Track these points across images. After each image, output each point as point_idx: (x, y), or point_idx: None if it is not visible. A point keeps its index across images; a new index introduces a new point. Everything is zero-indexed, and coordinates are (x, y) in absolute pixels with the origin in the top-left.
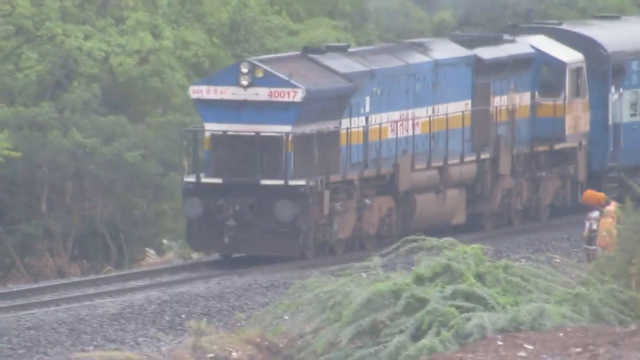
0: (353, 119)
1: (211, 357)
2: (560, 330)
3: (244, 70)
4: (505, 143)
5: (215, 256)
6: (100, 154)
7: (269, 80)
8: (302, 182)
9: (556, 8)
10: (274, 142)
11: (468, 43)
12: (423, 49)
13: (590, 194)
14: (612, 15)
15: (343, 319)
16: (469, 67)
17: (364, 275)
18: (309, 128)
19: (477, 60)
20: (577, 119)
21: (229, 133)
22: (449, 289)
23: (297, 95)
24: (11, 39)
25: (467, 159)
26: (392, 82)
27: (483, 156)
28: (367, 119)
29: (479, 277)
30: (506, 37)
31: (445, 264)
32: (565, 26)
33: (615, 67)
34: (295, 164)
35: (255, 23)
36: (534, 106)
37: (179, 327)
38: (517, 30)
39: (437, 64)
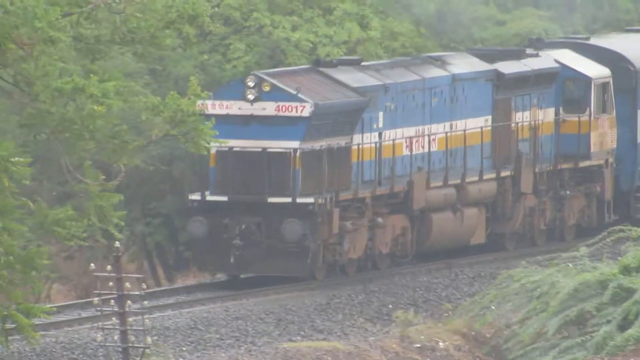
0: (365, 135)
1: (418, 347)
2: None
3: (251, 84)
4: (527, 160)
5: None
6: None
7: (276, 94)
8: (310, 200)
9: None
10: (282, 158)
11: (488, 57)
12: (440, 62)
13: None
14: None
15: (550, 309)
16: (489, 82)
17: (570, 265)
18: (318, 144)
19: (498, 74)
20: (603, 136)
21: (235, 149)
22: None
23: (305, 110)
24: (219, 27)
25: (486, 176)
26: (407, 97)
27: (503, 174)
28: (380, 134)
29: None
30: (529, 51)
31: None
32: (592, 41)
33: None
34: (304, 181)
35: (463, 13)
36: (557, 122)
37: (386, 318)
38: (541, 44)
39: (454, 79)
